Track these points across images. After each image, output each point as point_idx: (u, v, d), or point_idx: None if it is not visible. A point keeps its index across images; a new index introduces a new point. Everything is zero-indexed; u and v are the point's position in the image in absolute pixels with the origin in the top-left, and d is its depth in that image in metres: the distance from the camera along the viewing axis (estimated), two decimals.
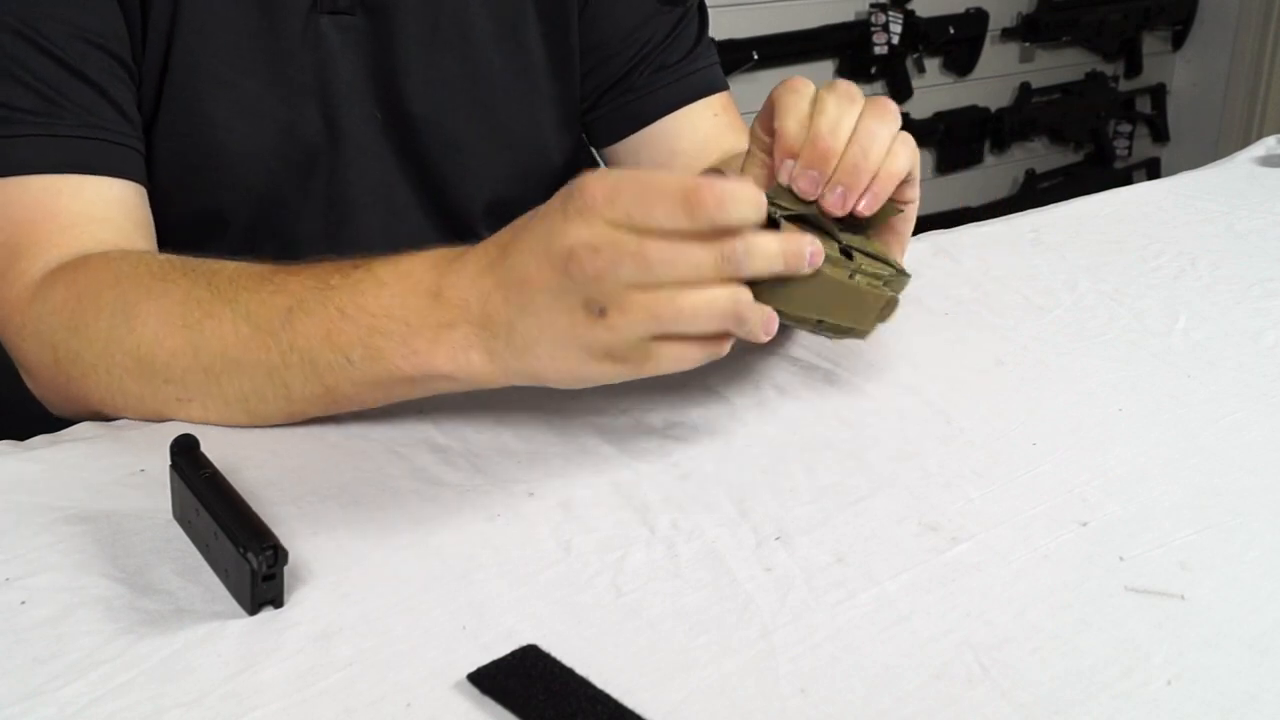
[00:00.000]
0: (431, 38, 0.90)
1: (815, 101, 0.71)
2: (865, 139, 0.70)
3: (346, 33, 0.88)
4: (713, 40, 1.04)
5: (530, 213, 0.62)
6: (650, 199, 0.57)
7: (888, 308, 0.71)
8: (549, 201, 0.61)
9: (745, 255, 0.59)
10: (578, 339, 0.60)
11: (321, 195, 0.90)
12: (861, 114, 0.71)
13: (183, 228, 0.85)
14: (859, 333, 0.70)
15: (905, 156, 0.71)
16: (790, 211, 0.68)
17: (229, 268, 0.71)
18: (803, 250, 0.62)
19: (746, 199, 0.58)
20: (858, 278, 0.68)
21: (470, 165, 0.95)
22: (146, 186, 0.82)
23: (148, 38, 0.82)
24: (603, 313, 0.58)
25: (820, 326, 0.68)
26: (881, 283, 0.70)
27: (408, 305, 0.64)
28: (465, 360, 0.63)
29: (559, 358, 0.61)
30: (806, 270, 0.63)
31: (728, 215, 0.58)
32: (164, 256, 0.74)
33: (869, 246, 0.71)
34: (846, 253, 0.69)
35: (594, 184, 0.58)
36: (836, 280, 0.66)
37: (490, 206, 0.97)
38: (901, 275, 0.72)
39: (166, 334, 0.69)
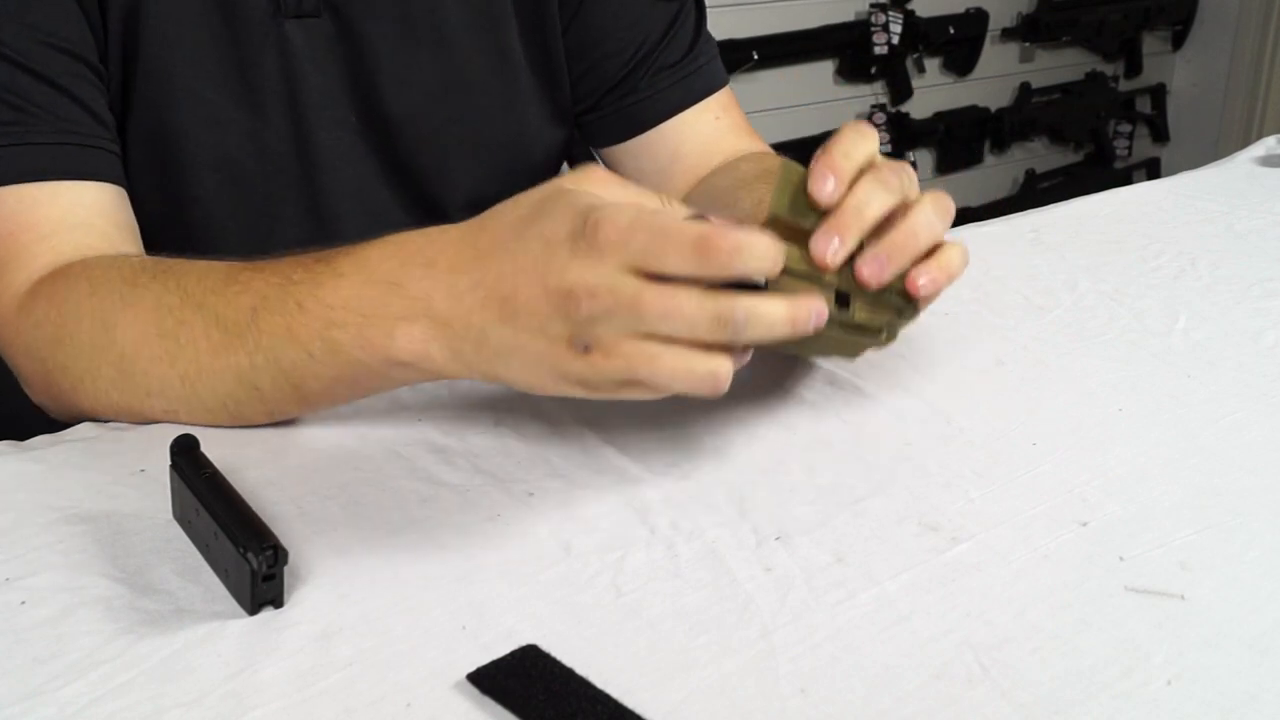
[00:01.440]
0: (405, 38, 0.89)
1: (862, 167, 0.67)
2: (922, 228, 0.66)
3: (314, 36, 0.86)
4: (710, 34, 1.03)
5: (511, 208, 0.60)
6: (663, 244, 0.55)
7: (886, 340, 0.68)
8: (542, 208, 0.58)
9: (745, 323, 0.57)
10: (554, 365, 0.58)
11: (298, 200, 0.90)
12: (922, 206, 0.67)
13: (168, 231, 0.84)
14: (841, 360, 0.68)
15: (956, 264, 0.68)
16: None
17: (197, 267, 0.70)
18: (809, 315, 0.59)
19: (762, 250, 0.56)
20: (852, 322, 0.65)
21: (450, 164, 0.94)
22: (125, 187, 0.82)
23: (109, 44, 0.82)
24: (587, 350, 0.57)
25: (798, 355, 0.66)
26: (878, 329, 0.67)
27: (363, 296, 0.62)
28: (424, 352, 0.62)
29: (529, 372, 0.60)
30: (810, 332, 0.60)
31: (742, 265, 0.56)
32: (137, 259, 0.74)
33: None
34: (844, 299, 0.65)
35: (609, 223, 0.56)
36: (825, 334, 0.63)
37: (469, 204, 0.97)
38: (903, 316, 0.68)
39: (144, 343, 0.69)
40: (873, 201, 0.64)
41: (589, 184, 0.59)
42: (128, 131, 0.84)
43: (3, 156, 0.76)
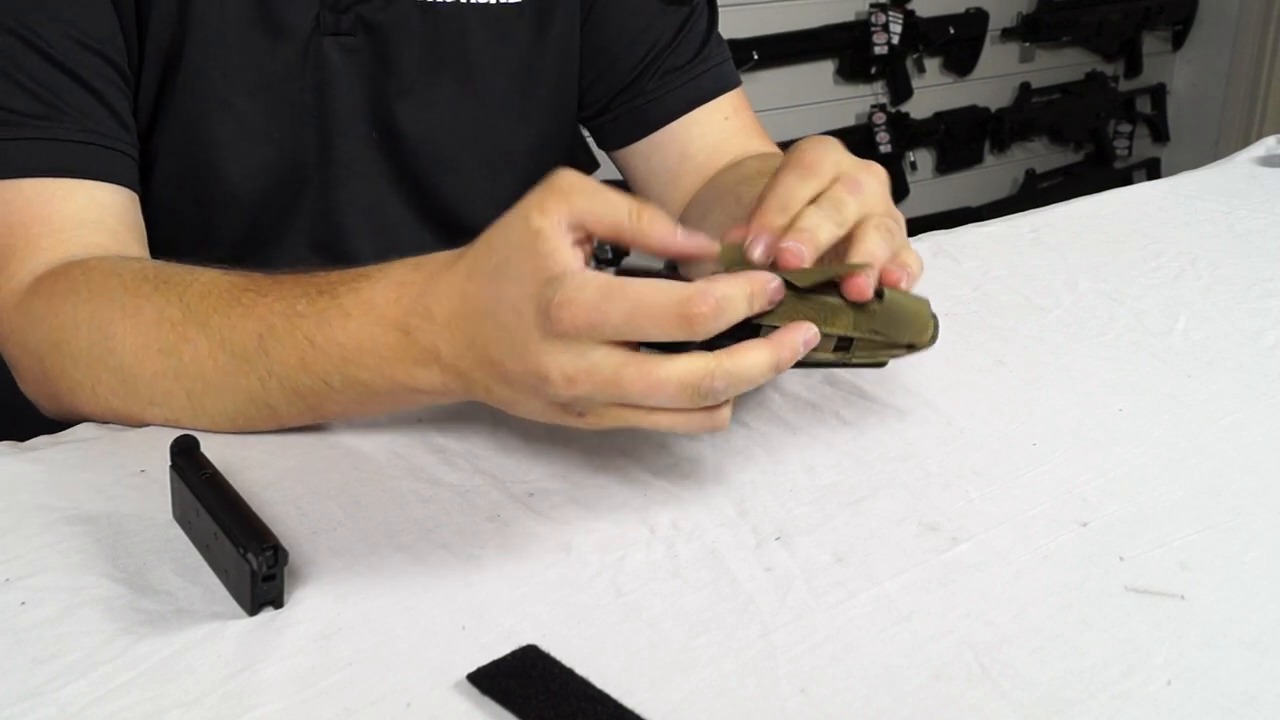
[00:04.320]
0: (430, 60, 0.90)
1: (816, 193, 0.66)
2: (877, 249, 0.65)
3: (348, 54, 0.88)
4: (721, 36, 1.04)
5: (487, 252, 0.59)
6: (643, 318, 0.55)
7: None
8: (508, 264, 0.57)
9: (726, 390, 0.56)
10: (555, 419, 0.60)
11: (309, 211, 0.90)
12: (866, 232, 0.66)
13: (174, 238, 0.85)
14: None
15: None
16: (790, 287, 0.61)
17: (199, 282, 0.70)
18: (794, 351, 0.59)
19: (740, 298, 0.56)
20: (854, 353, 0.65)
21: (468, 184, 0.95)
22: (139, 193, 0.82)
23: (145, 54, 0.82)
24: (581, 415, 0.59)
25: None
26: (882, 356, 0.66)
27: (377, 340, 0.63)
28: (444, 390, 0.63)
29: (536, 417, 0.61)
30: (799, 356, 0.59)
31: (727, 322, 0.56)
32: (137, 266, 0.73)
33: (881, 316, 0.64)
34: (845, 342, 0.64)
35: (575, 309, 0.55)
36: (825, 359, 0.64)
37: (486, 221, 0.97)
38: (909, 346, 0.66)
39: (145, 357, 0.69)
40: (821, 230, 0.64)
41: (555, 203, 0.57)
42: (160, 138, 0.85)
43: (26, 149, 0.77)
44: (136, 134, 0.83)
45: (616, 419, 0.58)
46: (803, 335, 0.59)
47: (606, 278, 0.56)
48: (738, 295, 0.56)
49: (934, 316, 0.68)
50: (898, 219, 0.68)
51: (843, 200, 0.65)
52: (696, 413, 0.58)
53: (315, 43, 0.86)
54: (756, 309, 0.57)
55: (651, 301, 0.55)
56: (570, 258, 0.56)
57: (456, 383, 0.62)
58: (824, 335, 0.61)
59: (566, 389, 0.56)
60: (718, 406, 0.58)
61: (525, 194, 0.90)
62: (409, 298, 0.62)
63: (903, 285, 0.65)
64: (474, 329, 0.59)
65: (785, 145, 1.02)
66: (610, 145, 1.03)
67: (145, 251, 0.80)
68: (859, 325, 0.63)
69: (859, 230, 0.65)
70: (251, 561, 0.55)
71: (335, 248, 0.92)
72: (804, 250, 0.62)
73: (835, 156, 0.68)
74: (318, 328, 0.64)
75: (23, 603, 0.56)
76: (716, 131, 0.99)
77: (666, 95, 0.99)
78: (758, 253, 0.63)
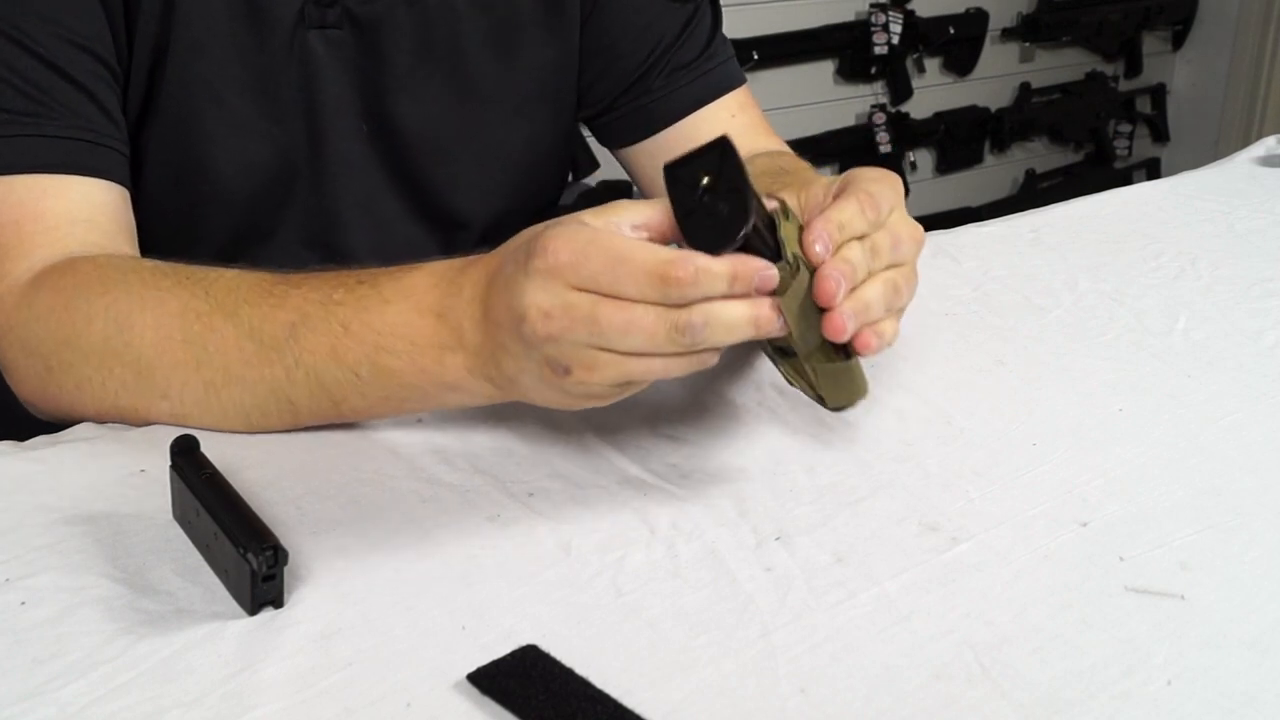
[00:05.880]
0: (420, 54, 0.90)
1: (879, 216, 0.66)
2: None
3: (334, 48, 0.87)
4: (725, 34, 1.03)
5: (518, 237, 0.61)
6: (620, 270, 0.56)
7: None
8: (527, 235, 0.60)
9: (704, 327, 0.56)
10: (551, 386, 0.60)
11: (302, 206, 0.90)
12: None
13: (166, 236, 0.84)
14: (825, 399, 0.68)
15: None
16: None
17: (225, 276, 0.70)
18: (774, 312, 0.58)
19: (724, 276, 0.56)
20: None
21: (462, 177, 0.95)
22: (130, 189, 0.82)
23: (134, 48, 0.82)
24: (566, 371, 0.58)
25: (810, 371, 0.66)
26: (796, 382, 0.67)
27: (412, 325, 0.64)
28: (470, 379, 0.64)
29: (543, 394, 0.61)
30: (777, 331, 0.59)
31: (703, 292, 0.56)
32: (150, 262, 0.74)
33: (828, 368, 0.66)
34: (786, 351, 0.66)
35: (560, 245, 0.57)
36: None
37: (480, 214, 0.97)
38: (820, 397, 0.68)
39: (166, 348, 0.69)
40: (860, 269, 0.64)
41: (610, 210, 0.59)
42: (149, 133, 0.85)
43: (18, 146, 0.76)
44: (126, 131, 0.83)
45: (603, 370, 0.58)
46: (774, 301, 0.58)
47: (601, 230, 0.57)
48: (720, 273, 0.56)
49: (862, 395, 0.70)
50: (915, 281, 0.69)
51: (882, 250, 0.66)
52: (682, 356, 0.58)
53: (300, 36, 0.86)
54: (738, 291, 0.57)
55: (633, 255, 0.56)
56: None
57: (474, 365, 0.63)
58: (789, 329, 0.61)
59: (542, 323, 0.57)
60: (703, 351, 0.58)
61: (518, 187, 0.89)
62: (446, 281, 0.64)
63: (869, 351, 0.65)
64: (486, 295, 0.61)
65: (786, 145, 1.02)
66: (615, 144, 1.02)
67: (136, 250, 0.80)
68: (811, 355, 0.64)
69: (871, 276, 0.65)
70: (251, 561, 0.55)
71: (329, 243, 0.92)
72: (843, 282, 0.62)
73: (893, 200, 0.68)
74: (354, 314, 0.65)
75: (23, 603, 0.56)
76: (724, 129, 0.99)
77: (673, 93, 0.99)
78: (818, 248, 0.63)
